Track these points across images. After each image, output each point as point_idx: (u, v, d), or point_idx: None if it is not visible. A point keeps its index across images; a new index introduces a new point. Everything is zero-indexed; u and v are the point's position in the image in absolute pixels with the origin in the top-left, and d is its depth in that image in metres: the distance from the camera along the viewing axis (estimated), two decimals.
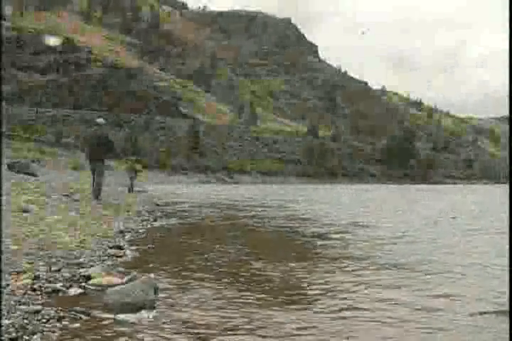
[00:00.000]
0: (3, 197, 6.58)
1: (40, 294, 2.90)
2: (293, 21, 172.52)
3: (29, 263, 3.47)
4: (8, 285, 2.90)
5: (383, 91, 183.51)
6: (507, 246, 4.67)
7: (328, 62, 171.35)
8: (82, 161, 21.06)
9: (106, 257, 4.20)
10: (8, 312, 2.44)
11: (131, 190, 17.76)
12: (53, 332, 2.34)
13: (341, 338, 2.43)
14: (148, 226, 7.14)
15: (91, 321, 2.56)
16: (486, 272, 4.05)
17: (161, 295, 3.08)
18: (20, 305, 2.60)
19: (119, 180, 23.01)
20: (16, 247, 3.93)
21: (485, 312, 2.81)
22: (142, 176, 26.61)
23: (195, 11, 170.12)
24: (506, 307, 2.80)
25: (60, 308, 2.65)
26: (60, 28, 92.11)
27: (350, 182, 75.13)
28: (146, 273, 3.53)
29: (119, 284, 3.10)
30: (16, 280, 3.02)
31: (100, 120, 10.31)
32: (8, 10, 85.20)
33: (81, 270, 3.52)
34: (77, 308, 2.69)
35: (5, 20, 78.51)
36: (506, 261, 4.08)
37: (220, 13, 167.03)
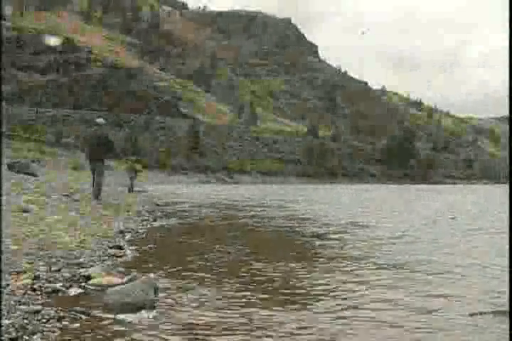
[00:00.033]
0: (3, 197, 6.58)
1: (40, 294, 2.90)
2: (293, 21, 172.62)
3: (29, 263, 3.48)
4: (8, 285, 2.90)
5: (383, 91, 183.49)
6: (507, 246, 4.67)
7: (328, 62, 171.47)
8: (82, 161, 21.07)
9: (106, 257, 4.20)
10: (8, 312, 2.44)
11: (131, 190, 17.76)
12: (53, 332, 2.34)
13: (341, 338, 2.43)
14: (148, 226, 7.14)
15: (91, 321, 2.56)
16: (486, 272, 4.05)
17: (161, 295, 3.09)
18: (20, 305, 2.60)
19: (119, 180, 23.02)
20: (15, 247, 3.93)
21: (485, 313, 2.81)
22: (142, 176, 26.60)
23: (195, 11, 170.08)
24: (506, 308, 2.80)
25: (60, 308, 2.65)
26: (60, 28, 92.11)
27: (350, 182, 75.14)
28: (146, 273, 3.53)
29: (119, 284, 3.10)
30: (16, 280, 3.02)
31: (100, 120, 10.31)
32: (8, 10, 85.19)
33: (81, 270, 3.52)
34: (77, 308, 2.69)
35: (5, 20, 78.51)
36: (506, 261, 4.09)
37: (220, 13, 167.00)
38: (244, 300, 3.07)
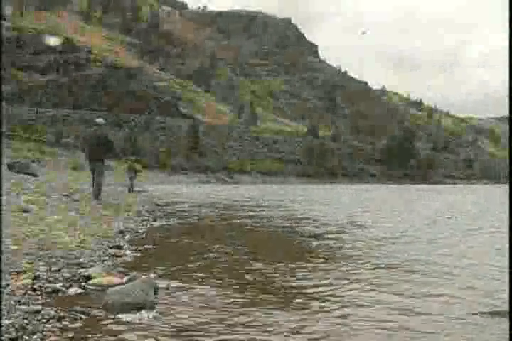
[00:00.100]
0: (3, 197, 6.58)
1: (40, 294, 2.90)
2: (293, 21, 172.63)
3: (29, 263, 3.48)
4: (8, 285, 2.90)
5: (383, 91, 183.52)
6: (507, 246, 4.67)
7: (328, 62, 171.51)
8: (82, 161, 21.07)
9: (106, 257, 4.20)
10: (8, 312, 2.44)
11: (131, 190, 17.77)
12: (53, 332, 2.34)
13: (340, 338, 2.43)
14: (148, 226, 7.14)
15: (91, 321, 2.56)
16: (486, 272, 4.05)
17: (161, 295, 3.09)
18: (20, 305, 2.60)
19: (119, 180, 23.02)
20: (16, 247, 3.93)
21: (485, 312, 2.81)
22: (142, 176, 26.63)
23: (194, 11, 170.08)
24: (506, 308, 2.80)
25: (60, 308, 2.65)
26: (60, 28, 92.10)
27: (350, 182, 75.15)
28: (146, 273, 3.54)
29: (119, 284, 3.10)
30: (16, 280, 3.02)
31: (100, 120, 10.31)
32: (8, 10, 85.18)
33: (81, 270, 3.52)
34: (77, 308, 2.69)
35: (5, 20, 78.50)
36: (505, 261, 4.09)
37: (220, 13, 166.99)
38: (244, 300, 3.07)
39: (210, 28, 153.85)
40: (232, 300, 3.06)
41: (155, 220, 8.00)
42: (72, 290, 3.09)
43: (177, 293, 3.18)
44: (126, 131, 69.44)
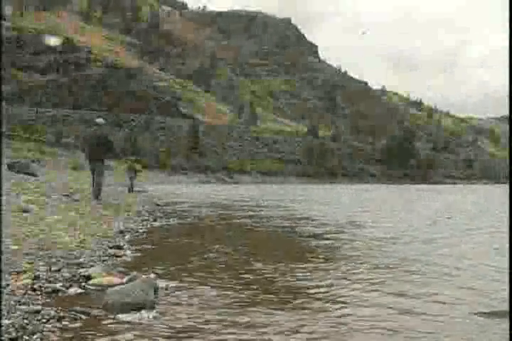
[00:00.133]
0: (3, 197, 6.58)
1: (40, 294, 2.90)
2: (293, 21, 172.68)
3: (29, 263, 3.48)
4: (8, 285, 2.90)
5: (383, 91, 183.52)
6: (506, 246, 4.67)
7: (328, 62, 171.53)
8: (82, 161, 21.09)
9: (106, 257, 4.20)
10: (8, 312, 2.44)
11: (131, 190, 17.77)
12: (53, 332, 2.34)
13: (340, 338, 2.43)
14: (149, 226, 7.15)
15: (91, 321, 2.56)
16: (485, 272, 4.05)
17: (161, 295, 3.09)
18: (20, 305, 2.60)
19: (119, 180, 23.02)
20: (16, 247, 3.93)
21: (485, 313, 2.81)
22: (142, 176, 26.64)
23: (194, 11, 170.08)
24: (506, 308, 2.81)
25: (60, 308, 2.65)
26: (60, 28, 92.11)
27: (350, 182, 75.15)
28: (146, 273, 3.54)
29: (119, 284, 3.10)
30: (16, 280, 3.02)
31: (100, 120, 10.31)
32: (8, 10, 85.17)
33: (81, 270, 3.52)
34: (77, 308, 2.69)
35: (5, 20, 78.50)
36: (505, 261, 4.09)
37: (220, 13, 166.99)
38: (243, 300, 3.07)
39: (210, 28, 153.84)
40: (232, 300, 3.06)
41: (155, 220, 8.00)
42: (72, 290, 3.09)
43: (177, 293, 3.18)
44: (126, 131, 69.44)
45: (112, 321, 2.57)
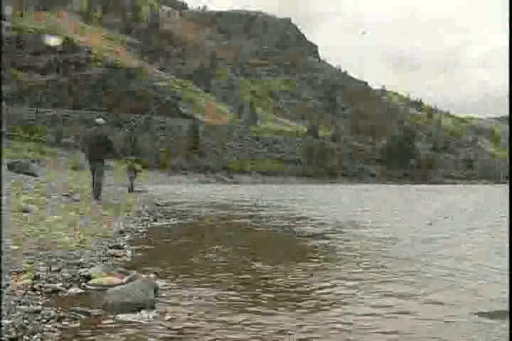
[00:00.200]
0: (3, 197, 6.58)
1: (40, 294, 2.90)
2: (293, 21, 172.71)
3: (29, 263, 3.48)
4: (8, 285, 2.90)
5: (383, 91, 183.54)
6: (506, 246, 4.67)
7: (328, 62, 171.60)
8: (82, 161, 21.08)
9: (106, 257, 4.20)
10: (8, 312, 2.44)
11: (131, 190, 17.78)
12: (53, 332, 2.34)
13: (340, 338, 2.43)
14: (149, 226, 7.15)
15: (91, 321, 2.56)
16: (485, 273, 4.05)
17: (161, 295, 3.09)
18: (20, 305, 2.60)
19: (119, 180, 23.03)
20: (16, 247, 3.93)
21: (485, 313, 2.81)
22: (142, 176, 26.64)
23: (195, 11, 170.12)
24: (506, 308, 2.80)
25: (60, 308, 2.65)
26: (60, 28, 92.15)
27: (350, 182, 75.17)
28: (146, 273, 3.54)
29: (119, 284, 3.10)
30: (16, 280, 3.02)
31: (100, 120, 10.32)
32: (8, 10, 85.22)
33: (81, 270, 3.52)
34: (77, 308, 2.69)
35: (5, 20, 78.53)
36: (505, 261, 4.09)
37: (220, 13, 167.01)
38: (243, 299, 3.07)
39: (210, 28, 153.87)
40: (232, 300, 3.06)
41: (155, 220, 8.01)
42: (72, 290, 3.09)
43: (177, 293, 3.18)
44: (126, 131, 69.47)
45: (111, 321, 2.57)
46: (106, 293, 2.87)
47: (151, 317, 2.66)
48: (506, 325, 2.52)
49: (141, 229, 6.66)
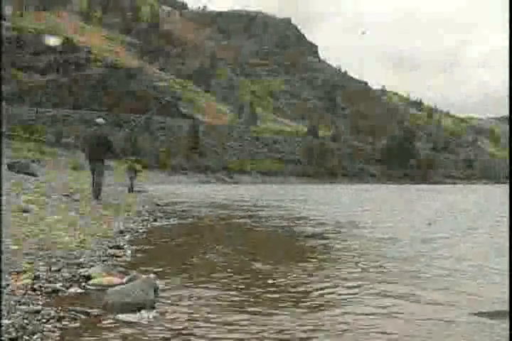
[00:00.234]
0: (3, 197, 6.58)
1: (40, 294, 2.90)
2: (293, 21, 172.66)
3: (29, 263, 3.48)
4: (8, 285, 2.90)
5: (383, 91, 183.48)
6: (506, 245, 4.67)
7: (328, 62, 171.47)
8: (82, 161, 21.08)
9: (106, 257, 4.20)
10: (8, 312, 2.44)
11: (131, 190, 17.77)
12: (53, 332, 2.34)
13: (340, 338, 2.43)
14: (149, 226, 7.15)
15: (91, 321, 2.56)
16: (485, 273, 4.05)
17: (161, 295, 3.09)
18: (20, 305, 2.60)
19: (119, 180, 23.03)
20: (16, 247, 3.93)
21: (484, 313, 2.81)
22: (142, 176, 26.64)
23: (195, 11, 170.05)
24: (506, 308, 2.81)
25: (60, 308, 2.65)
26: (60, 28, 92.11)
27: (350, 182, 75.17)
28: (146, 273, 3.54)
29: (119, 284, 3.10)
30: (16, 280, 3.02)
31: (100, 120, 10.31)
32: (8, 10, 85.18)
33: (81, 270, 3.52)
34: (77, 308, 2.69)
35: (5, 20, 78.51)
36: (505, 261, 4.09)
37: (220, 13, 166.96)
38: (243, 300, 3.07)
39: (210, 28, 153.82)
40: (232, 300, 3.06)
41: (155, 220, 8.01)
42: (72, 290, 3.09)
43: (177, 293, 3.19)
44: (126, 131, 69.46)
45: (111, 321, 2.57)
46: (106, 293, 2.87)
47: (151, 317, 2.66)
48: (506, 325, 2.52)
49: (141, 229, 6.66)
